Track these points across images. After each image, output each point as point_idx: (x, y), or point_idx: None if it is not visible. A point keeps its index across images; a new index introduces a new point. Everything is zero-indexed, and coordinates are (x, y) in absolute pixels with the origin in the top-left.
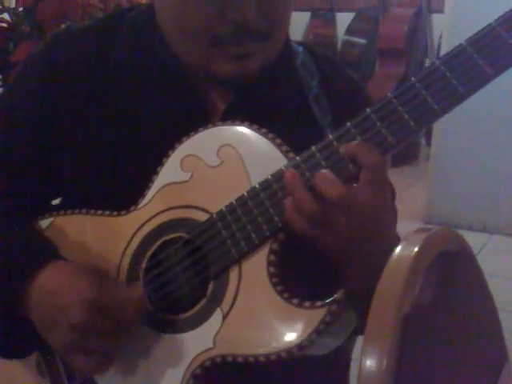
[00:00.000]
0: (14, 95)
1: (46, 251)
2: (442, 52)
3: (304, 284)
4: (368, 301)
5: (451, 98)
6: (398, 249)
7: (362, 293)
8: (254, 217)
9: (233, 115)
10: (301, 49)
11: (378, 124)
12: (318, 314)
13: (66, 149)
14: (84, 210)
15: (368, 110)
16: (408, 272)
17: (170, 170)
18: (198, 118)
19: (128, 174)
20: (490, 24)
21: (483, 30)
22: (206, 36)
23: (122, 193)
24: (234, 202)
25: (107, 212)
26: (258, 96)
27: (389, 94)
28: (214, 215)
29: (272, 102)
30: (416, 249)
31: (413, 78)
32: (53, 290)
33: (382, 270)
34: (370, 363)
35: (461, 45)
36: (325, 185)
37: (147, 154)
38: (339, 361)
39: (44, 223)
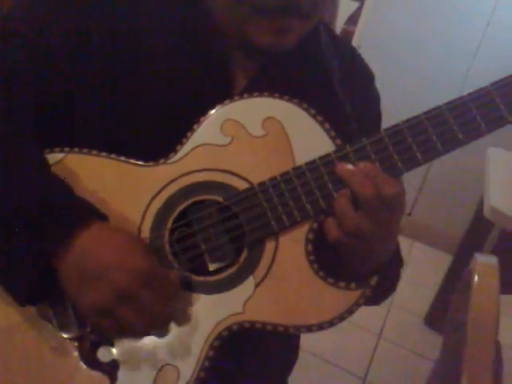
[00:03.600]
0: (41, 9)
1: (84, 206)
2: None
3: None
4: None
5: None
6: (482, 282)
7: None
8: (297, 195)
9: (255, 89)
10: (321, 27)
11: (430, 129)
12: (353, 295)
13: (86, 80)
14: (104, 153)
15: (422, 114)
16: (497, 304)
17: (209, 131)
18: (221, 84)
19: (150, 124)
20: None
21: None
22: (252, 5)
23: (142, 141)
24: (278, 176)
25: (132, 160)
26: (283, 71)
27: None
28: (256, 186)
29: (297, 79)
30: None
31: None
32: (98, 250)
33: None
34: None
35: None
36: (384, 186)
37: (170, 107)
38: None
39: (52, 158)
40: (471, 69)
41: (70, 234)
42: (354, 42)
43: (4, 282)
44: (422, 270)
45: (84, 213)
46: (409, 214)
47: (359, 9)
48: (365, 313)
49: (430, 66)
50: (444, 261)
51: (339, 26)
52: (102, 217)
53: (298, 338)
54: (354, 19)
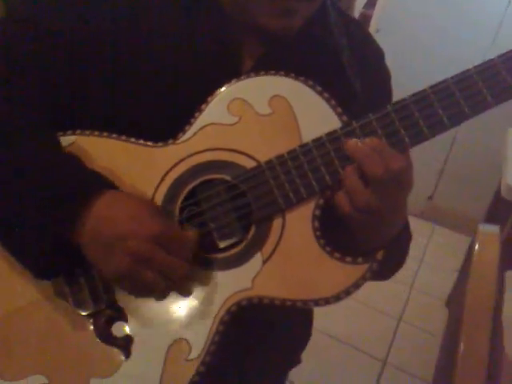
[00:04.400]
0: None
1: (97, 177)
2: None
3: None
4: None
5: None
6: (483, 252)
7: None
8: (304, 172)
9: (262, 69)
10: (329, 5)
11: (436, 103)
12: (359, 270)
13: (97, 66)
14: (114, 135)
15: (428, 88)
16: (496, 270)
17: (216, 110)
18: (228, 65)
19: (157, 106)
20: None
21: None
22: None
23: (150, 124)
24: (286, 154)
25: (141, 141)
26: (290, 52)
27: (449, 79)
28: (263, 164)
29: (303, 59)
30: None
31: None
32: (112, 217)
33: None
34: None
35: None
36: (392, 160)
37: (177, 88)
38: None
39: (64, 141)
40: (491, 50)
41: (84, 203)
42: (373, 26)
43: (20, 256)
44: (442, 253)
45: (97, 183)
46: (429, 198)
47: None
48: (386, 296)
49: (449, 49)
50: (465, 244)
51: (358, 9)
52: (114, 187)
53: (309, 313)
54: (372, 3)
